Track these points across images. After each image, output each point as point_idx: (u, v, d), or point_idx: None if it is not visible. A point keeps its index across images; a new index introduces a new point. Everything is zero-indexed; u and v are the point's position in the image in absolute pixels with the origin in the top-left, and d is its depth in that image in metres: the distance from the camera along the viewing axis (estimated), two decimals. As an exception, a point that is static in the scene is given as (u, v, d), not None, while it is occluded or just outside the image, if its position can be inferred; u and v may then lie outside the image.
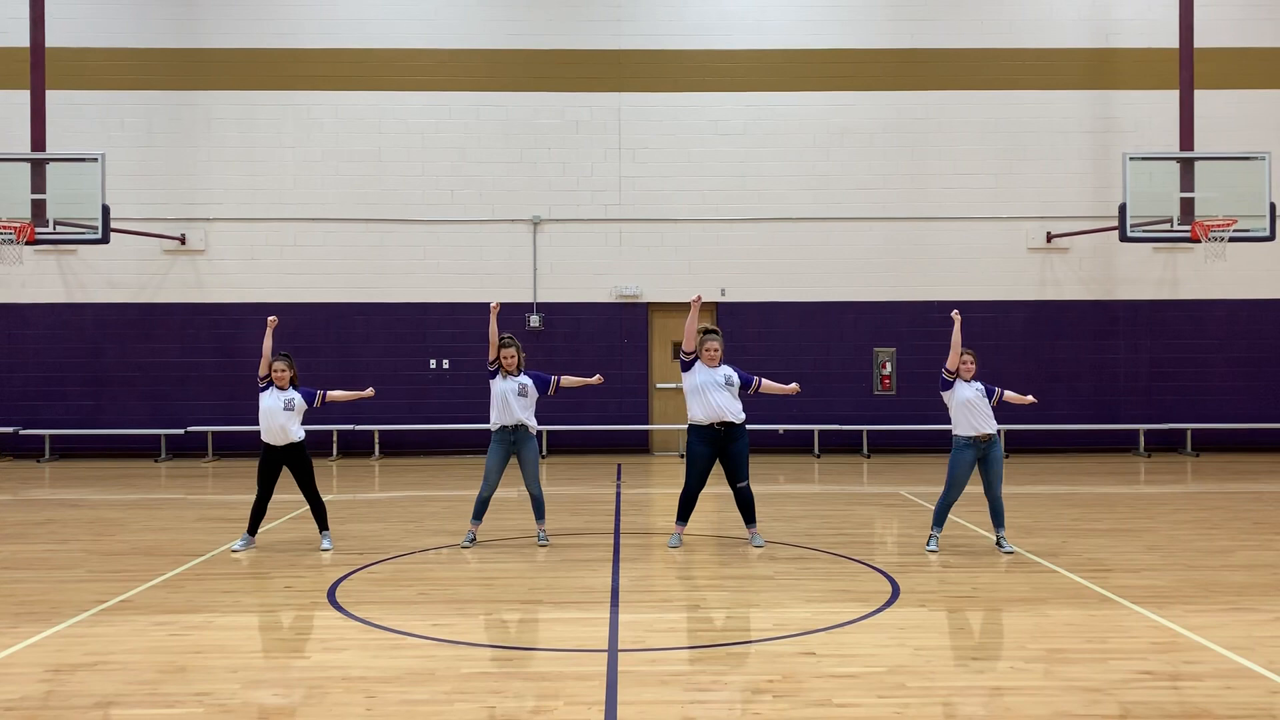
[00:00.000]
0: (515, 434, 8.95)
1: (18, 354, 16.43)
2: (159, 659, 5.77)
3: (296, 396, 8.90)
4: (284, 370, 8.93)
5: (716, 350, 8.89)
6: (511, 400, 8.89)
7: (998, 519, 8.74)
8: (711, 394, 8.72)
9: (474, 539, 9.13)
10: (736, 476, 8.85)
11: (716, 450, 8.82)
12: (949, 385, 8.60)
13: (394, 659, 5.76)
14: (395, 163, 16.61)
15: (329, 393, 9.17)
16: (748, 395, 8.97)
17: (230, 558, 8.59)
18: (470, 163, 16.64)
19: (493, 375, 9.03)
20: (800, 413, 16.46)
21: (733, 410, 8.76)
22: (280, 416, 8.79)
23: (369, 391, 9.58)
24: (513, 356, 8.97)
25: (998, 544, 8.74)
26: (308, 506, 9.20)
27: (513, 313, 16.37)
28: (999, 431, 8.70)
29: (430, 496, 12.25)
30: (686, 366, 8.94)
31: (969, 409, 8.47)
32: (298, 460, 8.92)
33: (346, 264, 16.56)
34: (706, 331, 9.01)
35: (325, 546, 8.92)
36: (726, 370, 8.87)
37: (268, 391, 8.89)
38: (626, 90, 16.65)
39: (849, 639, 6.12)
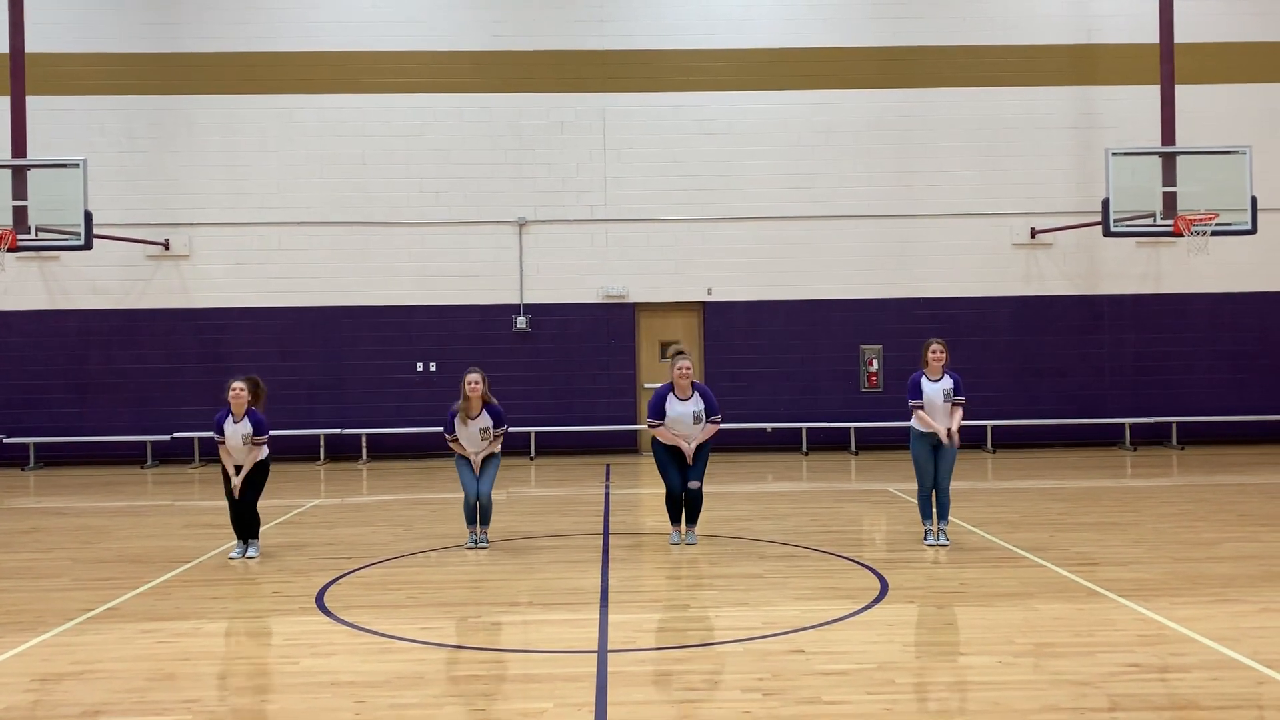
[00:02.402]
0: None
1: (1, 362, 16.32)
2: (147, 666, 5.75)
3: (249, 428, 8.59)
4: (241, 391, 8.61)
5: (688, 369, 8.93)
6: (477, 441, 8.91)
7: (941, 511, 8.87)
8: (677, 427, 8.86)
9: (476, 541, 9.04)
10: (690, 475, 8.97)
11: (681, 455, 8.95)
12: (918, 394, 8.77)
13: (383, 663, 5.74)
14: (380, 165, 16.56)
15: (256, 438, 8.70)
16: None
17: (220, 564, 8.54)
18: (455, 165, 16.60)
19: (452, 429, 8.99)
20: (788, 411, 16.49)
21: (696, 442, 8.89)
22: (240, 448, 8.62)
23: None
24: (477, 384, 8.82)
25: (936, 535, 8.85)
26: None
27: (499, 314, 16.37)
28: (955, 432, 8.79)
29: (418, 500, 12.21)
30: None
31: (928, 406, 8.66)
32: (254, 472, 8.68)
33: (332, 267, 16.50)
34: (678, 353, 9.09)
35: (234, 555, 8.67)
36: (695, 405, 8.87)
37: (227, 419, 8.70)
38: (611, 91, 16.63)
39: (838, 636, 6.13)
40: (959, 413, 8.69)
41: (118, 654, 6.00)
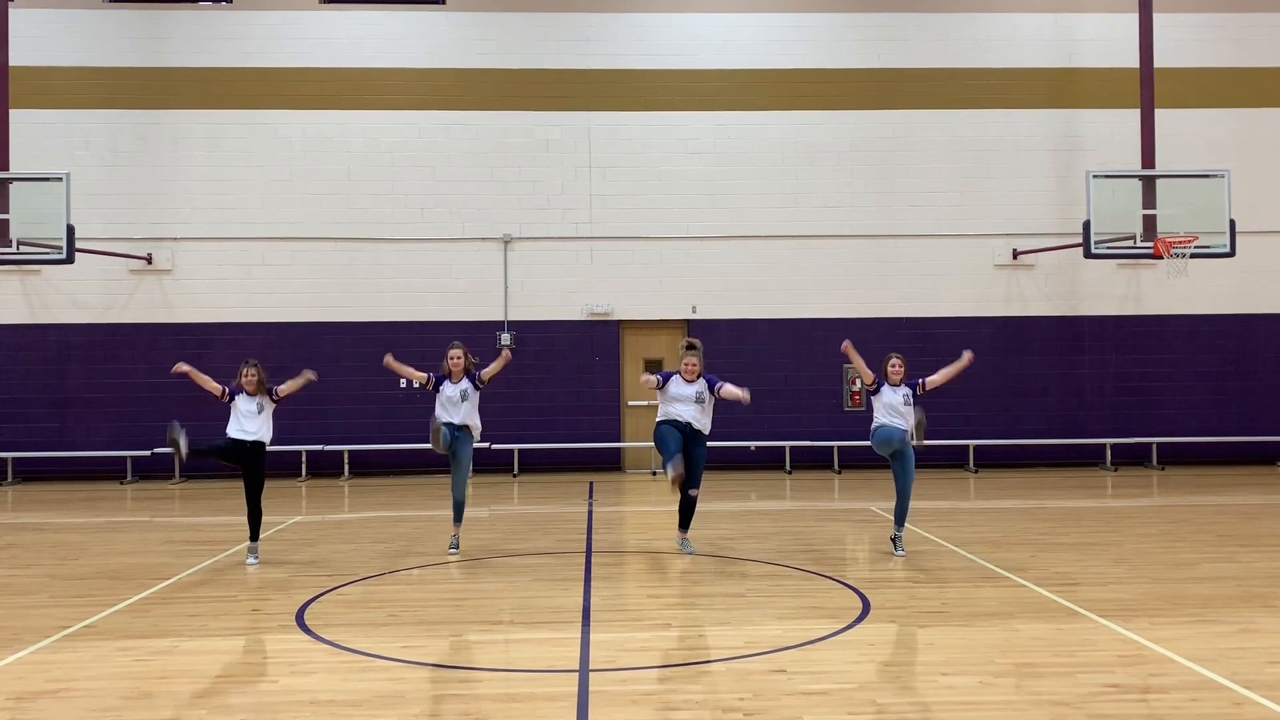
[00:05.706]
0: (457, 431, 9.40)
1: (-20, 375, 16.20)
2: (124, 685, 5.69)
3: (262, 401, 9.22)
4: (253, 375, 9.17)
5: (694, 365, 9.44)
6: (458, 404, 9.41)
7: (899, 517, 9.34)
8: (677, 405, 9.36)
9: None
10: (689, 482, 9.38)
11: (684, 438, 9.32)
12: (875, 392, 9.39)
13: (363, 682, 5.71)
14: (364, 181, 16.56)
15: (278, 388, 9.34)
16: (713, 396, 9.49)
17: (199, 581, 8.49)
18: (440, 181, 16.62)
19: (437, 388, 9.51)
20: (771, 429, 16.52)
21: (698, 421, 9.36)
22: (253, 420, 9.13)
23: (311, 375, 9.58)
24: (459, 358, 9.45)
25: (891, 540, 9.42)
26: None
27: (483, 331, 16.33)
28: (911, 436, 9.39)
29: (400, 517, 12.17)
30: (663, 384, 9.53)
31: (888, 410, 9.26)
32: (256, 461, 9.16)
33: (315, 283, 16.47)
34: (688, 347, 9.57)
35: (250, 561, 9.11)
36: (699, 387, 9.42)
37: (237, 398, 9.21)
38: (596, 109, 16.70)
39: (820, 656, 6.13)
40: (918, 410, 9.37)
41: (94, 672, 5.95)
